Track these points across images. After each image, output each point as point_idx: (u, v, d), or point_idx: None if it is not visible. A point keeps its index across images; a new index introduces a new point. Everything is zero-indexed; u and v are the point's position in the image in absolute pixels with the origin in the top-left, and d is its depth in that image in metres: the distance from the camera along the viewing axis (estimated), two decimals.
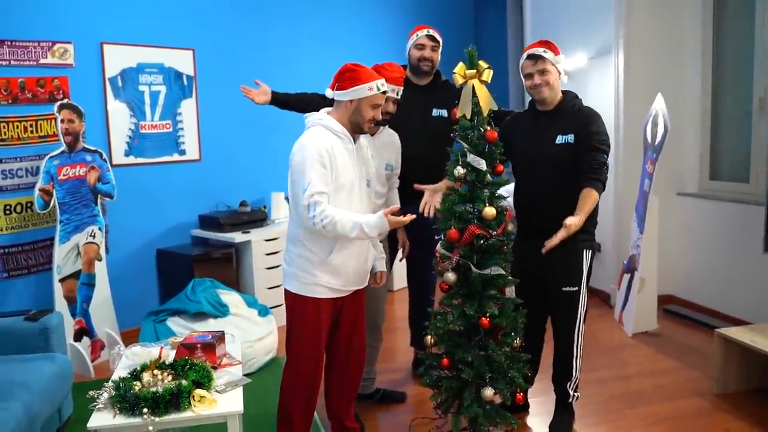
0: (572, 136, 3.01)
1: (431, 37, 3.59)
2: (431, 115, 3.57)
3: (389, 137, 3.35)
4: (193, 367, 2.53)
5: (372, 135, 3.21)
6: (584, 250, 3.11)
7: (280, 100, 3.59)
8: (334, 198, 2.64)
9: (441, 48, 3.64)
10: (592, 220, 3.13)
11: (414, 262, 3.78)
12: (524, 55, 3.11)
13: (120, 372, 2.62)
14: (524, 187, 3.18)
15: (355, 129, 2.75)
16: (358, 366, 3.02)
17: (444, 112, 3.60)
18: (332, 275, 2.73)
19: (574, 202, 2.86)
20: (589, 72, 5.46)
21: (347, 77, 2.67)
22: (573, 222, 2.74)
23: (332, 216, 2.56)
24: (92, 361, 4.18)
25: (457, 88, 2.83)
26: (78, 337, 4.18)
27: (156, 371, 2.49)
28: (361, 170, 2.79)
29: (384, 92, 2.73)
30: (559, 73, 3.08)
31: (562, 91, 3.14)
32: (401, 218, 2.62)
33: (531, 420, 3.43)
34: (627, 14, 5.02)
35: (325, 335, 2.82)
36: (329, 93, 2.75)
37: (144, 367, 2.53)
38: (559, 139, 3.03)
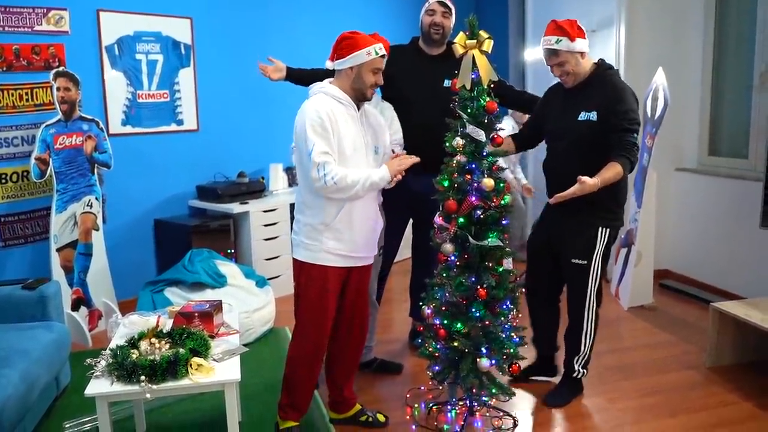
0: (595, 113, 2.97)
1: (442, 3, 3.54)
2: (442, 85, 3.54)
3: (375, 118, 2.96)
4: (191, 336, 2.53)
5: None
6: (601, 227, 3.09)
7: (294, 76, 3.54)
8: (340, 163, 2.64)
9: (454, 15, 3.59)
10: (617, 200, 3.12)
11: (420, 233, 3.78)
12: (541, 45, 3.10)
13: (117, 340, 2.64)
14: (549, 159, 3.22)
15: (359, 96, 2.74)
16: (360, 334, 3.04)
17: None
18: (338, 240, 2.74)
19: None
20: (591, 45, 5.39)
21: (345, 45, 2.68)
22: (587, 180, 2.72)
23: (343, 172, 2.59)
24: (90, 330, 4.19)
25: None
26: (75, 306, 4.19)
27: (153, 339, 2.49)
28: (367, 137, 2.79)
29: (383, 56, 2.72)
30: (582, 53, 3.03)
31: (596, 62, 3.11)
32: (403, 160, 2.71)
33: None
34: None
35: (333, 304, 2.83)
36: (329, 64, 2.74)
37: (141, 336, 2.54)
38: (582, 116, 3.01)
